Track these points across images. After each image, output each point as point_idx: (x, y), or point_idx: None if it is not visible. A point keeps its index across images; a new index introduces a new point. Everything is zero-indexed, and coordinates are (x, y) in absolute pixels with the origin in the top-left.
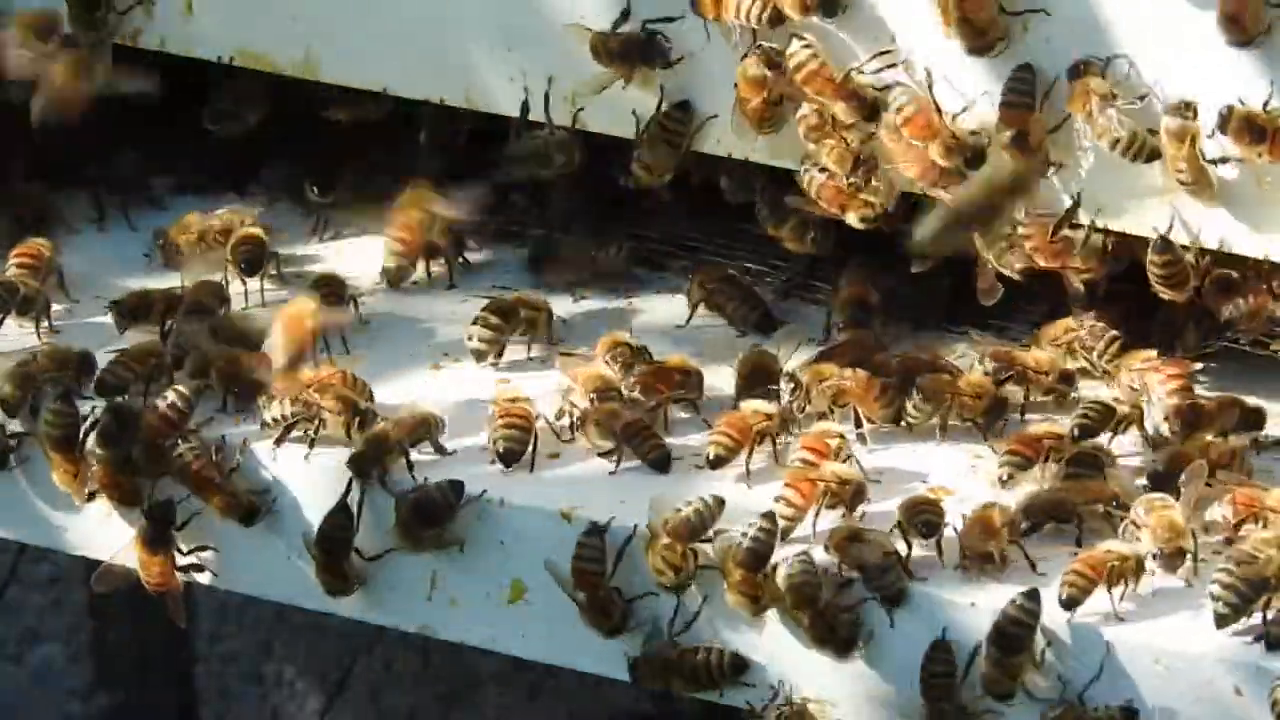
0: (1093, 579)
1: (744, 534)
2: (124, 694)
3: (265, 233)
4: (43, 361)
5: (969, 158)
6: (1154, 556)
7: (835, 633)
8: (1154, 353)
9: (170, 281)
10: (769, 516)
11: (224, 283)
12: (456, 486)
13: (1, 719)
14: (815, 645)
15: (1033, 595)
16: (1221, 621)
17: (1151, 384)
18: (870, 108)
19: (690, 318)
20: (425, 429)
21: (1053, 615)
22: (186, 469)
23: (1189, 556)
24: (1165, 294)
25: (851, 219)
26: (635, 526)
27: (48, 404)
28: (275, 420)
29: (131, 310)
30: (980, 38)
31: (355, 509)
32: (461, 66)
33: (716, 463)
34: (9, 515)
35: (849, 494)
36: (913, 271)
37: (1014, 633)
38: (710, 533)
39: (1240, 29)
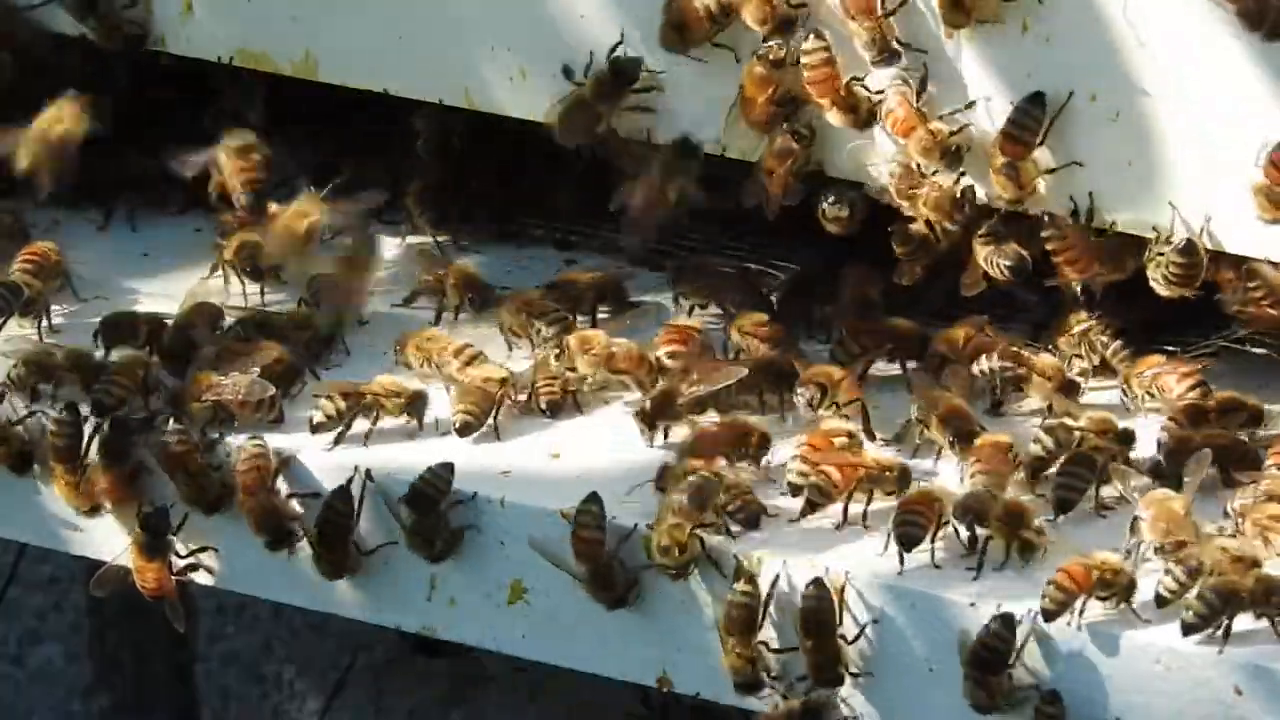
0: (1072, 591)
1: (730, 600)
2: (124, 694)
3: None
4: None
5: (944, 155)
6: (1156, 550)
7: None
8: (1162, 357)
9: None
10: (750, 579)
11: (221, 306)
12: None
13: (1, 719)
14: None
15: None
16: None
17: (1168, 385)
18: (863, 120)
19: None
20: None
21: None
22: (166, 450)
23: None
24: (1168, 292)
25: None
26: (635, 526)
27: (53, 414)
28: (329, 417)
29: (117, 329)
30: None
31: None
32: (461, 66)
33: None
34: (11, 516)
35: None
36: (904, 282)
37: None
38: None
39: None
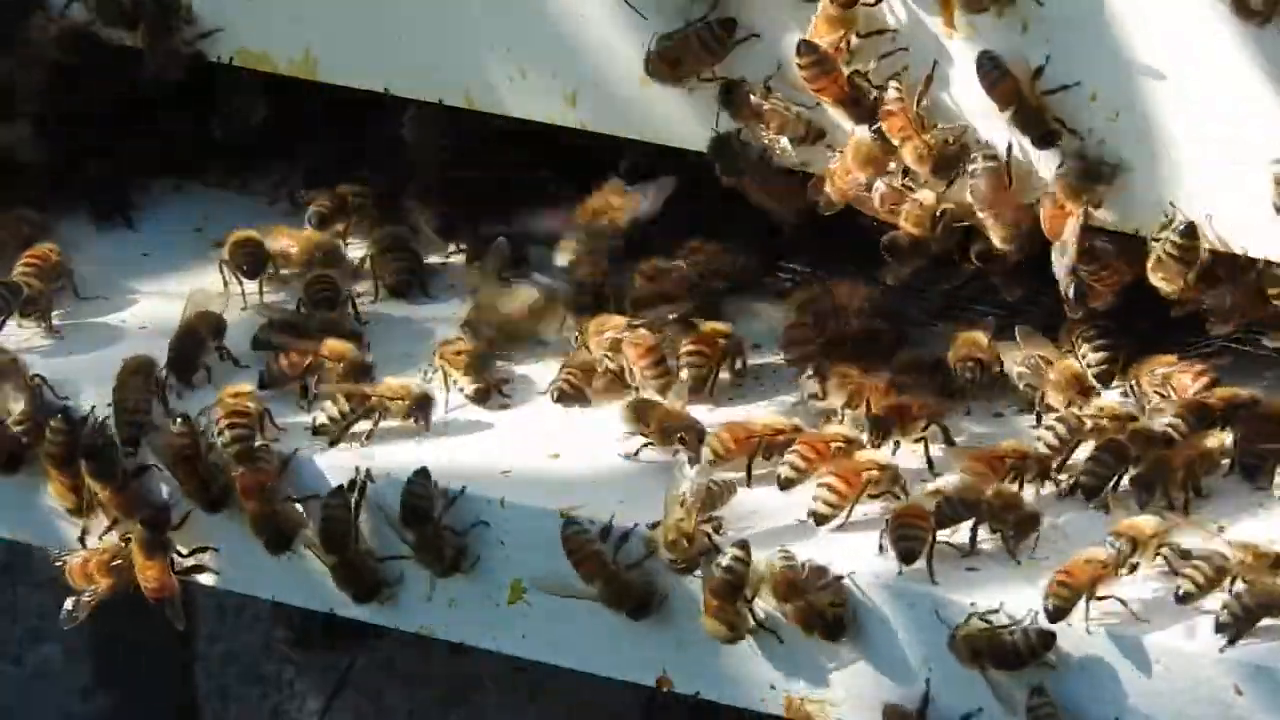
0: (1076, 589)
1: (718, 564)
2: (124, 694)
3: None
4: None
5: (937, 165)
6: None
7: (823, 618)
8: (1173, 357)
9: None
10: (743, 545)
11: (223, 314)
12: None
13: (1, 719)
14: (805, 634)
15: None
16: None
17: (1183, 384)
18: (866, 114)
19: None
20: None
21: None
22: (170, 448)
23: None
24: (1162, 278)
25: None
26: (635, 525)
27: (50, 422)
28: (333, 419)
29: None
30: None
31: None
32: (461, 66)
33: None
34: (10, 515)
35: (888, 479)
36: (888, 282)
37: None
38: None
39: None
